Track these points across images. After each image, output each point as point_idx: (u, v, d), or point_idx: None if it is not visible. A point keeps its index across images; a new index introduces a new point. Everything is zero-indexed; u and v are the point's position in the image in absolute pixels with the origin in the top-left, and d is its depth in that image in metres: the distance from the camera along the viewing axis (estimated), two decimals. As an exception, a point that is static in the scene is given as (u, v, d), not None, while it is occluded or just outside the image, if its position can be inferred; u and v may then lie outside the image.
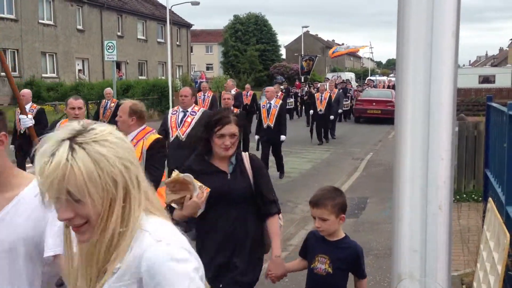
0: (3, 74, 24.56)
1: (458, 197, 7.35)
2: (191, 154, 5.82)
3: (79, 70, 29.65)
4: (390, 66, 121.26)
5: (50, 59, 27.81)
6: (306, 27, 46.58)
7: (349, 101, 22.88)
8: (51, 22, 27.47)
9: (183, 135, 6.17)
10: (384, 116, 20.90)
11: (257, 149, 9.65)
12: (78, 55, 29.51)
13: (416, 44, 1.04)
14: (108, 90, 12.58)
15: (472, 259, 4.86)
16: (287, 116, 22.63)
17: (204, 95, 13.18)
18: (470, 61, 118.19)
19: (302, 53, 41.45)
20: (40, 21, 26.66)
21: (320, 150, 14.10)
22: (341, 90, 21.97)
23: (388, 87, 30.66)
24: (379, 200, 8.13)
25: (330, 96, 15.18)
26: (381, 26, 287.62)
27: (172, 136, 6.23)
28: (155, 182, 3.91)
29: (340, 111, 17.40)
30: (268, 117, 9.61)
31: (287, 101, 22.75)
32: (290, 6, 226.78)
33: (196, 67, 52.35)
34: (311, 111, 15.56)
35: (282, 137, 9.63)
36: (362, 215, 7.38)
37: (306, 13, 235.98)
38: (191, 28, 43.95)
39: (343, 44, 57.79)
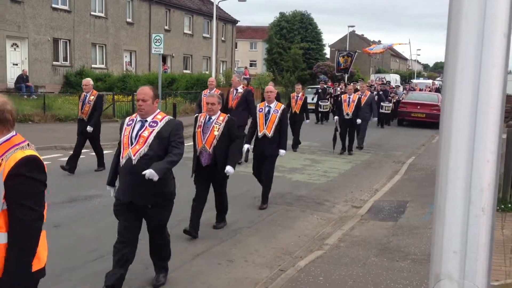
0: (55, 63, 25.49)
1: (503, 206, 7.12)
2: (148, 184, 4.23)
3: (127, 62, 30.39)
4: (437, 70, 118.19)
5: (100, 50, 28.62)
6: (352, 26, 46.10)
7: (391, 105, 21.13)
8: (102, 14, 28.25)
9: (134, 155, 4.32)
10: (428, 120, 20.38)
11: (246, 160, 7.89)
12: (126, 47, 30.24)
13: (466, 43, 1.04)
14: (86, 80, 10.04)
15: (514, 271, 4.71)
16: (318, 118, 20.47)
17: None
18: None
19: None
20: (92, 13, 27.46)
21: (361, 151, 13.92)
22: (381, 92, 20.77)
23: (433, 90, 29.73)
24: (420, 204, 7.98)
25: (359, 99, 13.25)
26: (430, 28, 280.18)
27: (122, 157, 4.41)
28: (28, 229, 2.47)
29: (375, 119, 14.98)
30: (265, 124, 7.63)
31: (322, 103, 20.74)
32: (337, 5, 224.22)
33: (240, 63, 52.68)
34: (336, 117, 13.45)
35: (282, 152, 7.66)
36: (401, 218, 7.26)
37: (353, 13, 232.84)
38: (237, 24, 44.22)
39: (379, 41, 56.29)
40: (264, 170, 7.73)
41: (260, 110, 7.81)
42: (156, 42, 17.09)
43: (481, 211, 1.09)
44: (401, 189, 9.15)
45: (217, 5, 27.67)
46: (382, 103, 20.19)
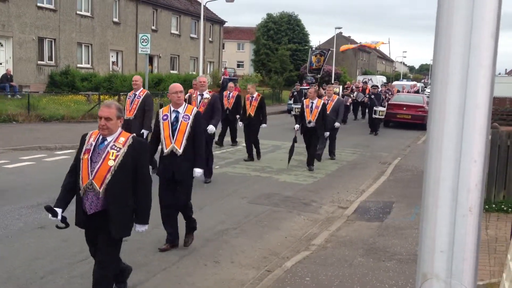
0: (40, 62, 25.20)
1: (487, 206, 7.20)
2: None
3: (113, 62, 30.17)
4: (423, 71, 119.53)
5: (85, 49, 28.37)
6: (339, 28, 46.22)
7: (384, 109, 19.43)
8: (89, 14, 28.01)
9: None
10: (414, 121, 20.58)
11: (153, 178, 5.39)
12: (112, 47, 30.02)
13: (454, 44, 1.04)
14: None
15: (498, 270, 4.77)
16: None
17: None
18: (506, 69, 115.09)
19: (334, 55, 40.95)
20: (78, 12, 27.21)
21: (347, 152, 14.00)
22: (373, 96, 19.57)
23: (412, 92, 29.65)
24: (405, 205, 8.04)
25: (324, 105, 11.18)
26: (417, 30, 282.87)
27: None
28: None
29: (337, 124, 12.41)
30: (173, 136, 5.62)
31: (295, 106, 17.67)
32: (324, 6, 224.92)
33: (227, 64, 52.63)
34: (296, 125, 11.48)
35: (197, 172, 5.64)
36: (387, 219, 7.31)
37: (340, 14, 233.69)
38: (224, 25, 44.18)
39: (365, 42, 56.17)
40: (179, 200, 5.65)
41: (165, 117, 5.68)
42: (143, 42, 17.01)
43: (468, 211, 1.09)
44: (387, 190, 9.22)
45: (204, 6, 27.60)
46: (375, 108, 18.97)
